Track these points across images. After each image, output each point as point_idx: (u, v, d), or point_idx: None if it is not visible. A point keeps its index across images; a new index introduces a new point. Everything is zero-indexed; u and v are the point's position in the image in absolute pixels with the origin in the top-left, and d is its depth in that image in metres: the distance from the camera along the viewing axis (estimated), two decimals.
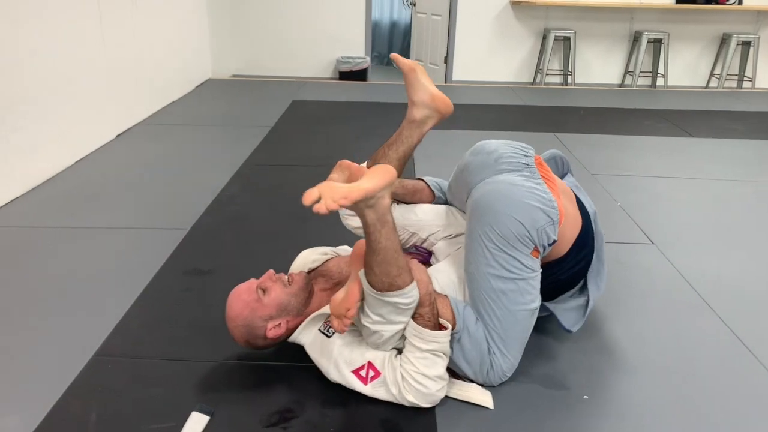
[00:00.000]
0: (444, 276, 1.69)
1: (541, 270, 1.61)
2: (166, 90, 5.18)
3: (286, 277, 1.67)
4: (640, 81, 6.88)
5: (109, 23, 4.04)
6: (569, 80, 6.79)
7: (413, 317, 1.52)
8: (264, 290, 1.62)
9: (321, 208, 1.27)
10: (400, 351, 1.57)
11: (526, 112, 5.31)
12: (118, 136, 4.16)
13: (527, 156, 1.67)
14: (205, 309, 2.02)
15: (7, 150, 2.97)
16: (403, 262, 1.45)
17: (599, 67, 6.92)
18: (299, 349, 1.66)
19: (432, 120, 1.82)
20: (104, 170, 3.49)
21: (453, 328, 1.55)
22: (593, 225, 1.79)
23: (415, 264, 1.60)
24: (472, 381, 1.63)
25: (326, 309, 1.60)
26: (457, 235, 1.83)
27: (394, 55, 1.84)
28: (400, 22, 8.87)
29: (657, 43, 6.74)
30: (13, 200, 2.97)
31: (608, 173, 3.56)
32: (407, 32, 8.55)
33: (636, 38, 6.70)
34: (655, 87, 6.87)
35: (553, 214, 1.56)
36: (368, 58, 6.82)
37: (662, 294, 2.21)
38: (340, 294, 1.51)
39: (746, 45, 6.71)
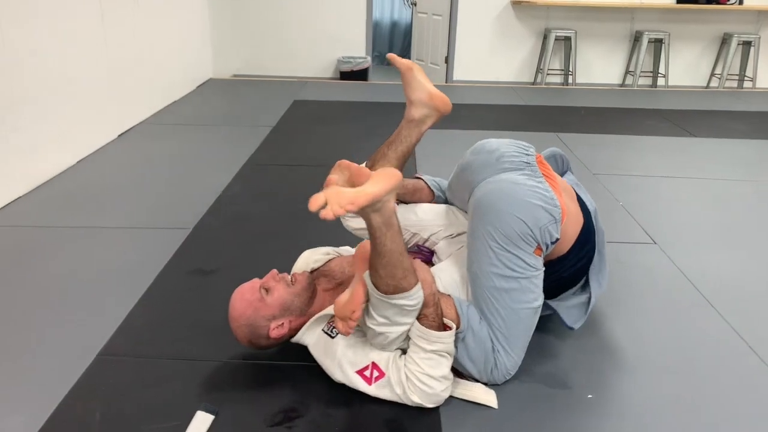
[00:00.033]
0: (447, 275, 1.69)
1: (543, 268, 1.61)
2: (167, 90, 5.18)
3: (290, 276, 1.68)
4: (641, 81, 6.88)
5: (110, 23, 4.04)
6: (570, 80, 6.78)
7: (418, 318, 1.52)
8: (267, 290, 1.62)
9: (327, 213, 1.26)
10: (404, 351, 1.57)
11: (527, 112, 5.31)
12: (119, 135, 4.16)
13: (528, 155, 1.68)
14: (209, 308, 2.02)
15: (7, 150, 2.96)
16: (408, 264, 1.45)
17: (600, 66, 6.92)
18: (303, 349, 1.66)
19: (430, 119, 1.82)
20: (106, 170, 3.49)
21: (457, 328, 1.55)
22: (594, 222, 1.80)
23: (419, 264, 1.60)
24: (476, 380, 1.63)
25: (330, 310, 1.60)
26: (458, 235, 1.84)
27: (391, 55, 1.84)
28: (400, 22, 8.87)
29: (658, 43, 6.74)
30: (15, 200, 2.97)
31: (610, 173, 3.56)
32: (408, 32, 8.55)
33: (637, 38, 6.70)
34: (655, 87, 6.87)
35: (555, 212, 1.57)
36: (369, 58, 6.82)
37: (664, 293, 2.22)
38: (344, 296, 1.51)
39: (747, 45, 6.71)
